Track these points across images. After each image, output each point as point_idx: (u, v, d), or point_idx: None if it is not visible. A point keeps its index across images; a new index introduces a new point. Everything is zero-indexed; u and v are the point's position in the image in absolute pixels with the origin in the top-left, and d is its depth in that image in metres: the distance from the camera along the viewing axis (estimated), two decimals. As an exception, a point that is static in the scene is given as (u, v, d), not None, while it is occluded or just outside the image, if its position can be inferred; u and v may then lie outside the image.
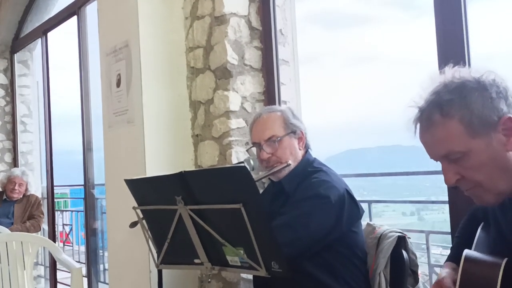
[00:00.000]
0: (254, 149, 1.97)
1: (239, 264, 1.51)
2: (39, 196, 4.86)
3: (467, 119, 1.07)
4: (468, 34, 1.81)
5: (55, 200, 4.87)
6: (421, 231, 2.93)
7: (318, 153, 1.96)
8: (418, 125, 1.15)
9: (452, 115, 1.08)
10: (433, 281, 1.86)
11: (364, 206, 2.35)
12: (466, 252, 1.15)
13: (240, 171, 1.40)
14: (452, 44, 1.82)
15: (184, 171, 1.48)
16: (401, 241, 1.79)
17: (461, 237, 1.39)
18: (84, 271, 3.73)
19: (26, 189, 4.62)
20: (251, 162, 2.08)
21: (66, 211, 6.56)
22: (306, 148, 1.92)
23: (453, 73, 1.13)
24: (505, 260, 1.08)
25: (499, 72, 1.11)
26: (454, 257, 1.32)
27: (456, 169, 1.11)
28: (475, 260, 1.13)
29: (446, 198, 1.89)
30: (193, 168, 2.66)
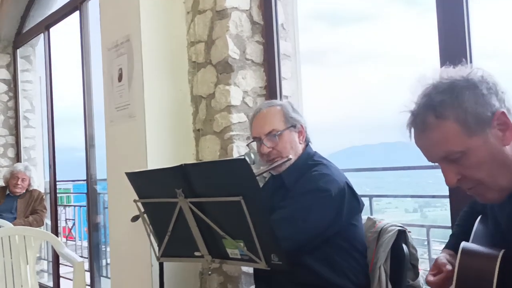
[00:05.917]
0: (254, 144, 1.97)
1: (239, 256, 1.52)
2: (42, 191, 4.88)
3: (462, 118, 1.07)
4: (470, 31, 1.80)
5: (58, 195, 4.89)
6: (422, 226, 2.93)
7: (321, 149, 1.96)
8: (412, 130, 1.14)
9: (447, 116, 1.08)
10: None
11: (365, 201, 2.35)
12: (463, 244, 1.16)
13: (240, 164, 1.40)
14: (454, 41, 1.81)
15: (185, 164, 1.48)
16: (402, 235, 1.80)
17: (461, 226, 1.40)
18: (86, 265, 3.75)
19: (29, 184, 4.63)
20: (252, 156, 2.08)
21: (69, 206, 6.59)
22: (307, 142, 1.92)
23: (441, 73, 1.13)
24: (502, 251, 1.08)
25: (486, 69, 1.11)
26: (451, 245, 1.33)
27: (456, 169, 1.11)
28: (472, 252, 1.13)
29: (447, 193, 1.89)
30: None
